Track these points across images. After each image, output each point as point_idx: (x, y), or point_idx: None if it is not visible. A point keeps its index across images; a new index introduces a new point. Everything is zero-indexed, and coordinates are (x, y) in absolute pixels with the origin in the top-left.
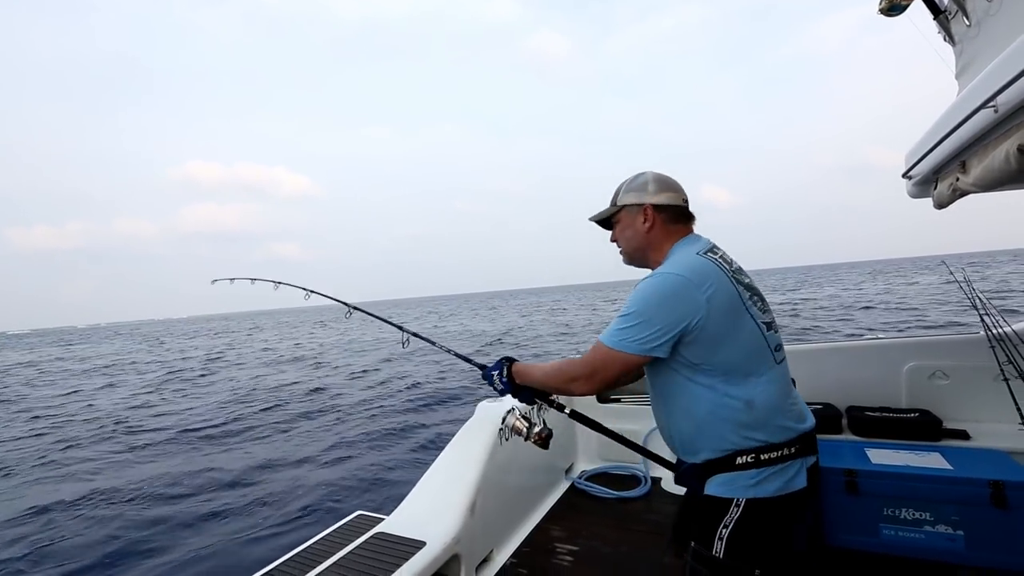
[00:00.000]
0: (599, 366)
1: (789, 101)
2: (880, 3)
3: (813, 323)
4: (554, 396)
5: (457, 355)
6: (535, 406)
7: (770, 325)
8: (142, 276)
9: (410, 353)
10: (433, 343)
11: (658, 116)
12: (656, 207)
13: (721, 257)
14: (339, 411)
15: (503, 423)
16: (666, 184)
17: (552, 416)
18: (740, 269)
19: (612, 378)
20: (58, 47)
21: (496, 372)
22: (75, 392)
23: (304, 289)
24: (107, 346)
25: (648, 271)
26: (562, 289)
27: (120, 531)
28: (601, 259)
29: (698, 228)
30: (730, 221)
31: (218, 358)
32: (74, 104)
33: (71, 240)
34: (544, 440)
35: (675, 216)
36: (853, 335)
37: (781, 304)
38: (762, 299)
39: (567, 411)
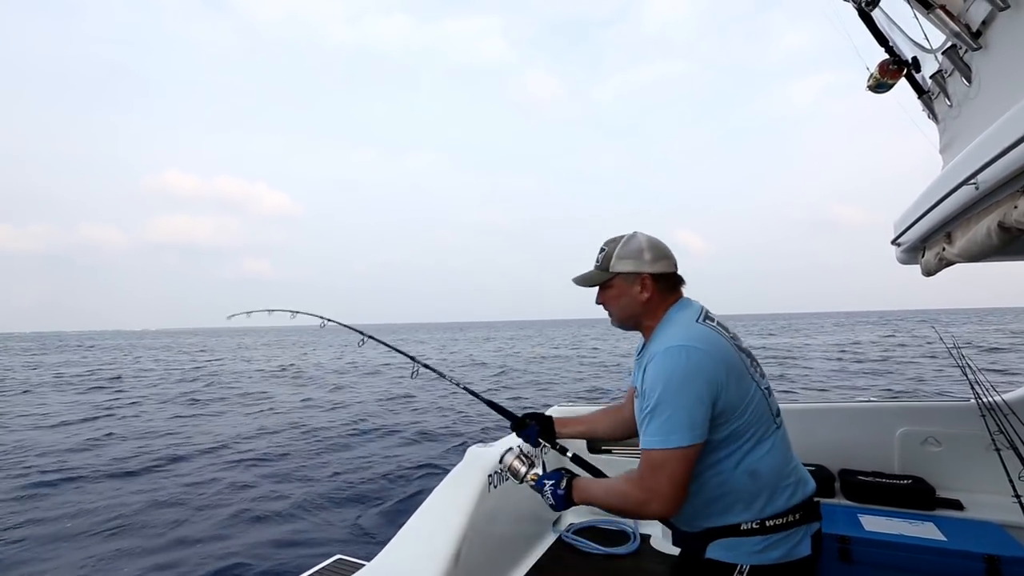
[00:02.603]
0: (656, 478)
1: (757, 156)
2: (868, 81)
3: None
4: (558, 440)
5: (486, 401)
6: (539, 447)
7: (770, 390)
8: (101, 284)
9: (403, 389)
10: (443, 375)
11: (638, 160)
12: (653, 275)
13: (719, 324)
14: (321, 446)
15: (500, 462)
16: (661, 252)
17: (552, 458)
18: (736, 335)
19: (679, 483)
20: (41, 47)
21: (552, 482)
22: None
23: (321, 318)
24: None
25: (637, 332)
26: (543, 323)
27: None
28: (577, 296)
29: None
30: (703, 267)
31: (196, 379)
32: (52, 106)
33: (30, 243)
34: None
35: (670, 283)
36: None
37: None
38: (758, 364)
39: (569, 455)
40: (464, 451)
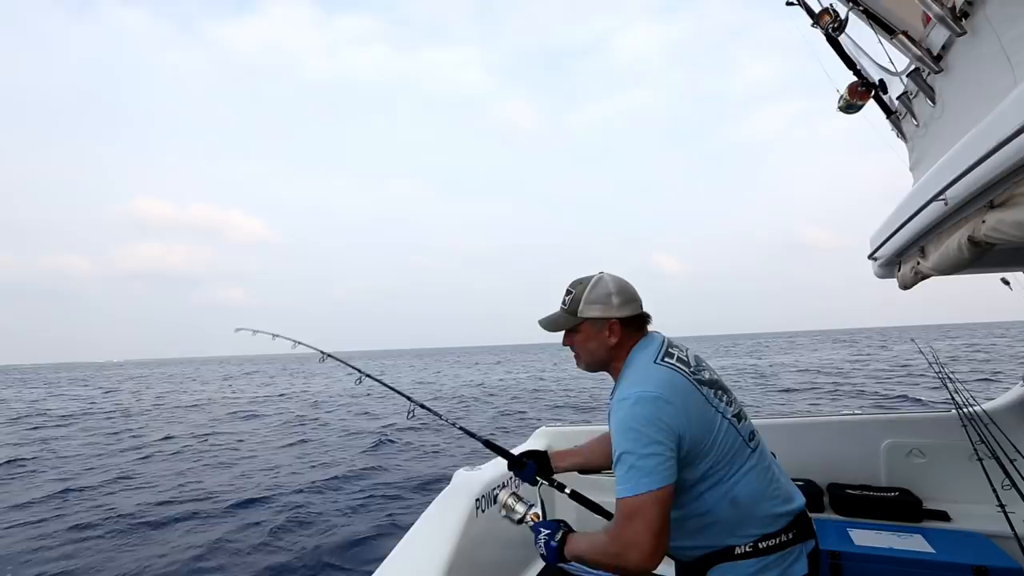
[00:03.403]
0: (631, 527)
1: (729, 181)
2: (838, 102)
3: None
4: (555, 476)
5: (482, 440)
6: (537, 485)
7: (739, 416)
8: (66, 314)
9: (383, 412)
10: (440, 415)
11: (614, 186)
12: (621, 320)
13: (679, 359)
14: (308, 470)
15: (496, 501)
16: (629, 295)
17: (546, 492)
18: (699, 364)
19: (656, 529)
20: (7, 73)
21: (547, 532)
22: None
23: (321, 352)
24: None
25: (606, 375)
26: (518, 348)
27: None
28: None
29: (651, 292)
30: (678, 288)
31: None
32: (17, 132)
33: None
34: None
35: (637, 324)
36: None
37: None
38: (725, 391)
39: (567, 491)
40: (451, 475)
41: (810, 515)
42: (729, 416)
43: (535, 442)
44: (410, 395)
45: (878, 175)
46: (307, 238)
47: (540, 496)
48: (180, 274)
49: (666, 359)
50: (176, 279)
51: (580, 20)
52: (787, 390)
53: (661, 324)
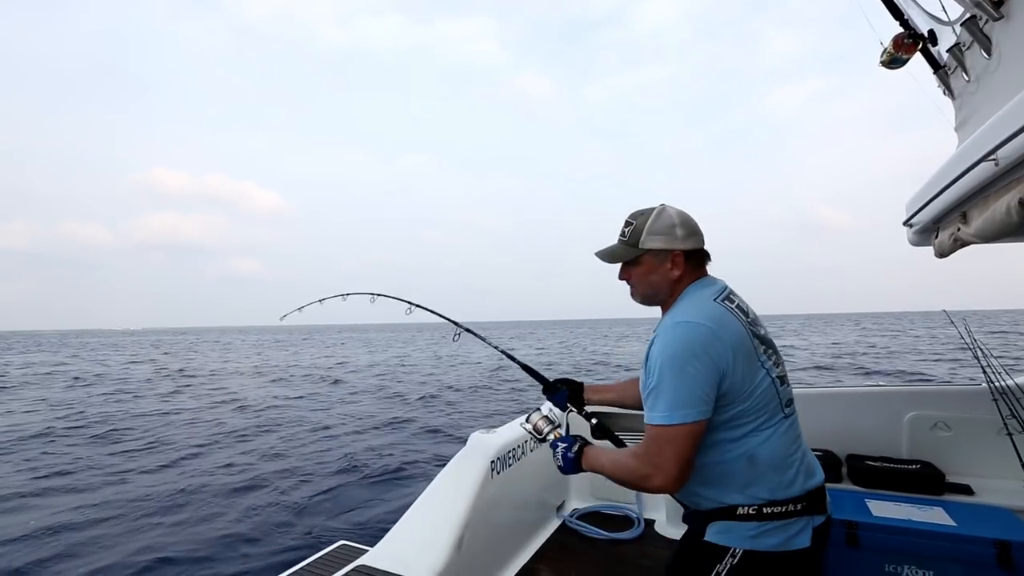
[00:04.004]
0: (658, 453)
1: (746, 159)
2: (881, 56)
3: None
4: (586, 405)
5: (521, 364)
6: (566, 411)
7: (783, 379)
8: (86, 283)
9: (404, 379)
10: (484, 339)
11: (629, 162)
12: (684, 252)
13: (738, 306)
14: (328, 434)
15: (527, 420)
16: (692, 228)
17: (578, 423)
18: (756, 320)
19: (685, 460)
20: (26, 42)
21: (565, 445)
22: None
23: (408, 302)
24: None
25: (657, 309)
26: (539, 324)
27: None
28: (580, 296)
29: None
30: None
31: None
32: (38, 101)
33: (12, 240)
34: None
35: (698, 260)
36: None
37: None
38: (776, 351)
39: (593, 421)
40: (466, 439)
41: (828, 485)
42: (773, 375)
43: None
44: (457, 321)
45: (902, 154)
46: (322, 211)
47: (567, 423)
48: (198, 245)
49: (726, 301)
50: (194, 250)
51: None
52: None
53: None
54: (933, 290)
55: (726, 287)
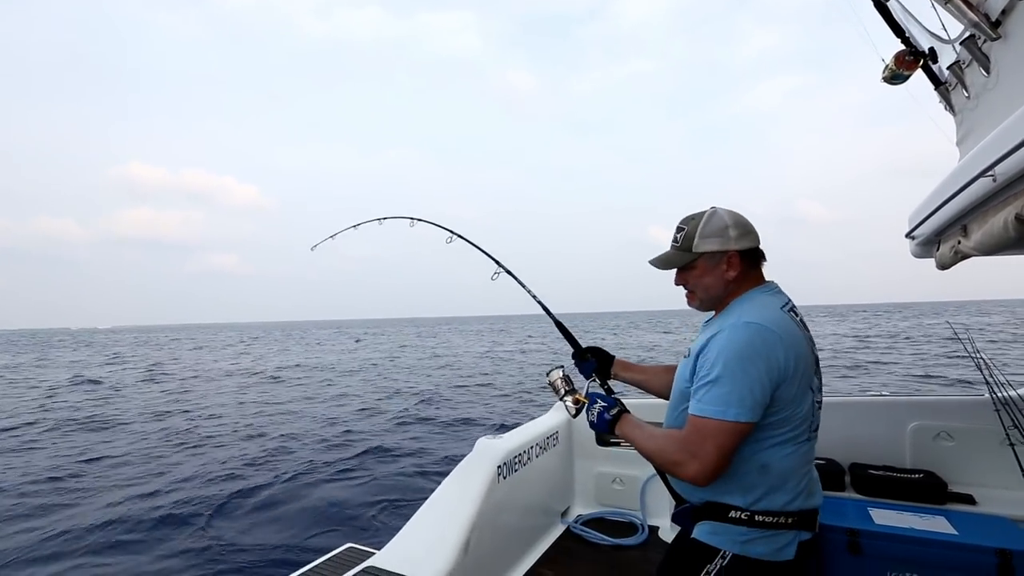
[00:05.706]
0: (700, 443)
1: (729, 152)
2: (883, 73)
3: None
4: (611, 381)
5: (557, 323)
6: (590, 381)
7: (820, 404)
8: (56, 280)
9: (415, 379)
10: (523, 285)
11: (613, 155)
12: (740, 252)
13: (801, 321)
14: (335, 436)
15: (547, 376)
16: (746, 227)
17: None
18: (813, 339)
19: (725, 456)
20: None
21: (604, 404)
22: None
23: (449, 231)
24: None
25: (711, 312)
26: (520, 318)
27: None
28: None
29: (647, 265)
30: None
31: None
32: (5, 93)
33: None
34: (578, 408)
35: (754, 260)
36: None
37: None
38: (820, 375)
39: (614, 397)
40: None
41: (830, 494)
42: (815, 399)
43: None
44: (499, 260)
45: (878, 150)
46: (302, 204)
47: (588, 391)
48: (175, 241)
49: (791, 312)
50: (171, 246)
51: None
52: None
53: (648, 297)
54: (914, 280)
55: (788, 298)
